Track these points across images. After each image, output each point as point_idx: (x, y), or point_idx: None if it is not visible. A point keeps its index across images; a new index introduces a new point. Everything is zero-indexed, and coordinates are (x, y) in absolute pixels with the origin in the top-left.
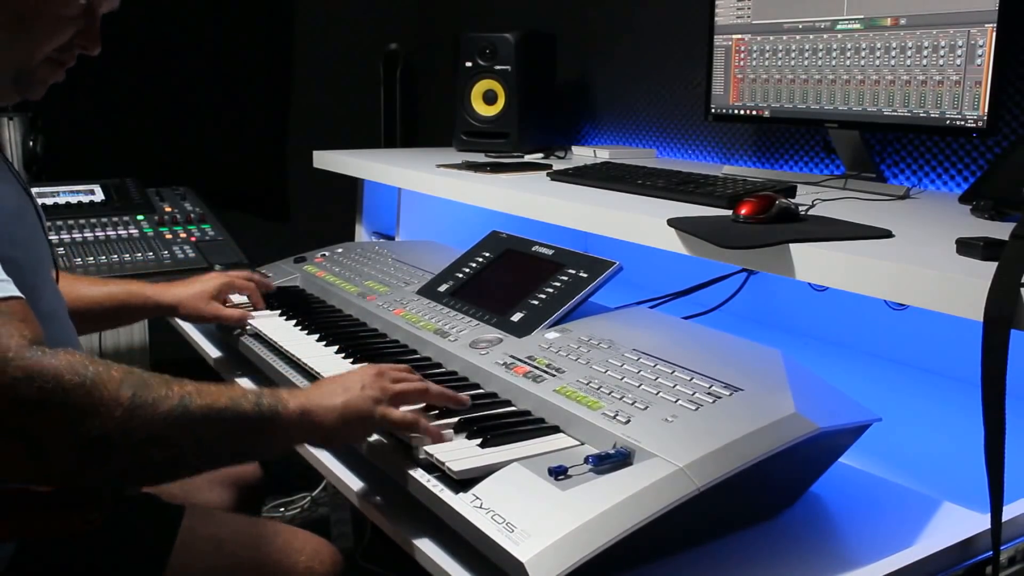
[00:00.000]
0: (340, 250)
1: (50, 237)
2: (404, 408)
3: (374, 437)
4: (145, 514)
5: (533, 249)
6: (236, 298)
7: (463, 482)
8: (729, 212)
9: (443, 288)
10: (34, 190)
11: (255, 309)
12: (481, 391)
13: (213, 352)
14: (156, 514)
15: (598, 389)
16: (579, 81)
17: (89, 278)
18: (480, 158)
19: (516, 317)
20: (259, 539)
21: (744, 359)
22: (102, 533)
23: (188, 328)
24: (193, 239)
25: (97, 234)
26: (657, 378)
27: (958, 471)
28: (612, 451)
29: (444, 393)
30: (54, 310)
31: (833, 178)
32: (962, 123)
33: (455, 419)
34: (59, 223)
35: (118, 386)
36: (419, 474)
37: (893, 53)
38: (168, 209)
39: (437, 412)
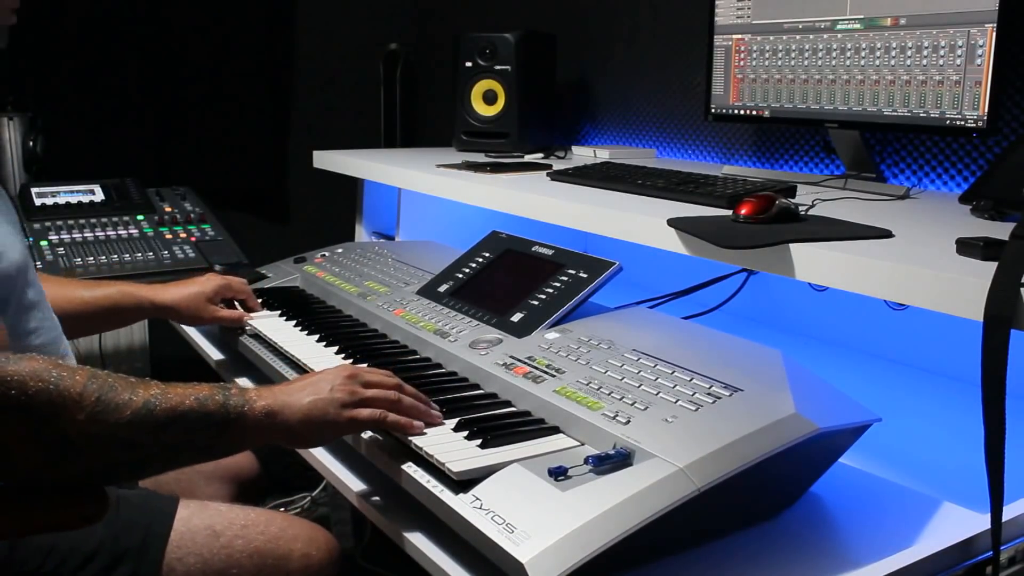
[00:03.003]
0: (340, 250)
1: (49, 237)
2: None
3: (368, 435)
4: (140, 506)
5: (533, 249)
6: None
7: (463, 483)
8: (729, 212)
9: (443, 288)
10: (34, 190)
11: (251, 311)
12: (481, 391)
13: (213, 352)
14: (151, 506)
15: (598, 389)
16: (579, 81)
17: (83, 281)
18: (480, 158)
19: (516, 317)
20: (255, 527)
21: (744, 359)
22: (98, 526)
23: (188, 328)
24: (193, 239)
25: (97, 234)
26: (657, 378)
27: (958, 471)
28: (612, 451)
29: (416, 406)
30: (33, 303)
31: (833, 178)
32: (962, 123)
33: (455, 419)
34: (59, 223)
35: (81, 390)
36: (419, 475)
37: (893, 53)
38: (168, 209)
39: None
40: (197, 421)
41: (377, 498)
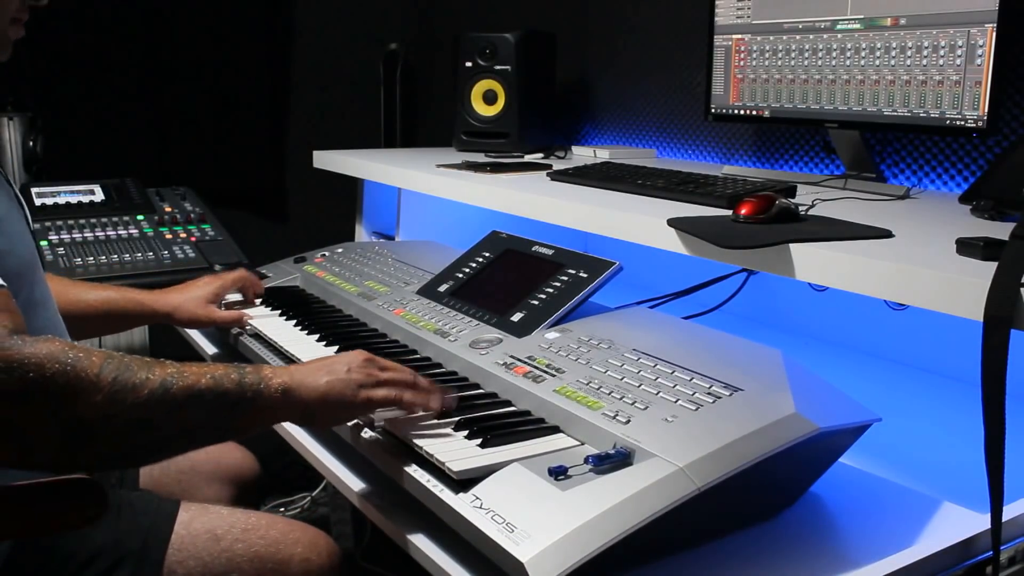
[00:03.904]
0: (340, 250)
1: (49, 237)
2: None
3: (368, 434)
4: (141, 509)
5: (533, 249)
6: (232, 296)
7: (463, 482)
8: (729, 212)
9: (443, 288)
10: (34, 190)
11: (250, 305)
12: (481, 391)
13: (213, 352)
14: (152, 509)
15: (598, 389)
16: (579, 81)
17: (84, 283)
18: (480, 158)
19: (516, 317)
20: (255, 531)
21: (744, 359)
22: (99, 528)
23: (188, 328)
24: (193, 239)
25: (97, 234)
26: (657, 378)
27: (958, 471)
28: (612, 451)
29: (432, 387)
30: (42, 301)
31: (833, 178)
32: (962, 123)
33: (455, 419)
34: (59, 223)
35: (98, 371)
36: (419, 474)
37: (893, 53)
38: (168, 209)
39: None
40: (214, 400)
41: (377, 498)
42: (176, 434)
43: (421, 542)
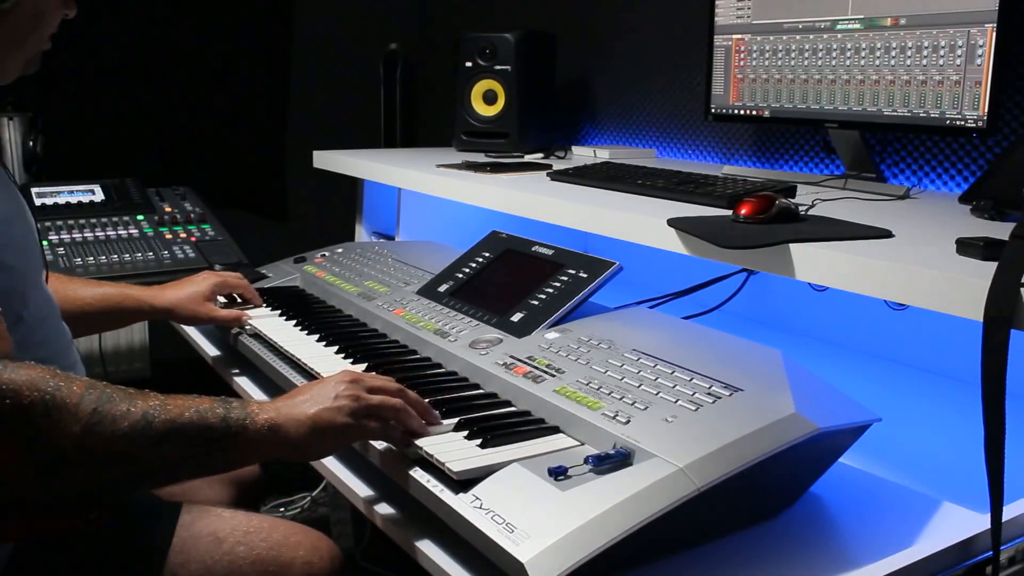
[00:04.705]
0: (340, 250)
1: (49, 238)
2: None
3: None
4: (143, 511)
5: (533, 249)
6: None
7: (463, 482)
8: (729, 212)
9: (443, 288)
10: (34, 190)
11: (252, 306)
12: (481, 391)
13: (213, 352)
14: (154, 511)
15: (598, 389)
16: (579, 81)
17: (82, 280)
18: (480, 158)
19: (516, 317)
20: (257, 534)
21: (744, 359)
22: (100, 530)
23: (187, 328)
24: (193, 239)
25: (97, 234)
26: (657, 378)
27: (958, 471)
28: (612, 451)
29: (415, 419)
30: (44, 315)
31: (833, 178)
32: (962, 123)
33: (455, 419)
34: (59, 223)
35: (78, 401)
36: (419, 474)
37: (893, 53)
38: (168, 209)
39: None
40: (196, 434)
41: (377, 498)
42: (156, 468)
43: (421, 542)
